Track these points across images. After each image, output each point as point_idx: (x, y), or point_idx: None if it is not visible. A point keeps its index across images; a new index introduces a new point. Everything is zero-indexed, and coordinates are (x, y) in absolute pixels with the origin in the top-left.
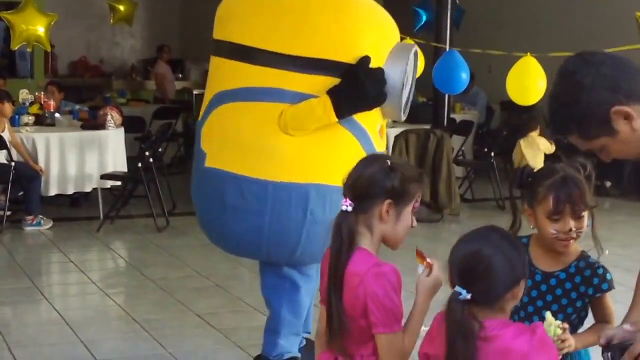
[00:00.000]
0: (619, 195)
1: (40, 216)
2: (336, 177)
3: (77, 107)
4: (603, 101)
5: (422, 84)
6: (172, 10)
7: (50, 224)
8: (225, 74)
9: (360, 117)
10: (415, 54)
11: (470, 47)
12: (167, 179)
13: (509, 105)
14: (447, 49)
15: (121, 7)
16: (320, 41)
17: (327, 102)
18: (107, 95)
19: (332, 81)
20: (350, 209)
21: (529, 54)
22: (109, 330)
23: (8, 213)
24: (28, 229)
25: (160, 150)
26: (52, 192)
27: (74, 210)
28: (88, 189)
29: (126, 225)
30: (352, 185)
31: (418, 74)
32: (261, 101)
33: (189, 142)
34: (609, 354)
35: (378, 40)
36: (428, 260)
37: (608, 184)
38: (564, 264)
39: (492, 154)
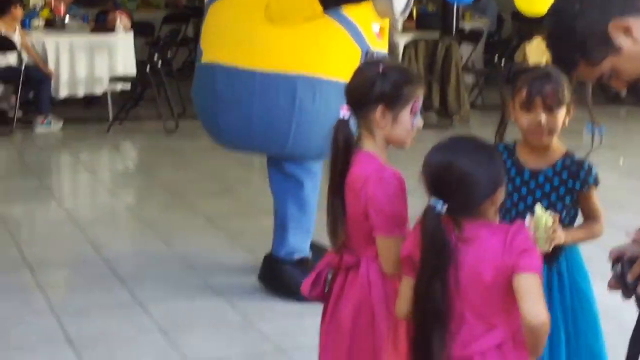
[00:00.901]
0: (634, 104)
1: (51, 116)
2: (326, 68)
3: (81, 12)
4: (597, 20)
5: None
6: None
7: (61, 124)
8: None
9: (352, 14)
10: None
11: None
12: (177, 83)
13: (521, 16)
14: None
15: None
16: None
17: None
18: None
19: None
20: (346, 116)
21: None
22: (117, 230)
23: (19, 114)
24: (39, 129)
25: (169, 54)
26: (62, 94)
27: (85, 111)
28: (98, 92)
29: (135, 128)
30: (348, 92)
31: None
32: None
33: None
34: (619, 267)
35: None
36: None
37: (624, 92)
38: (551, 161)
39: (502, 61)
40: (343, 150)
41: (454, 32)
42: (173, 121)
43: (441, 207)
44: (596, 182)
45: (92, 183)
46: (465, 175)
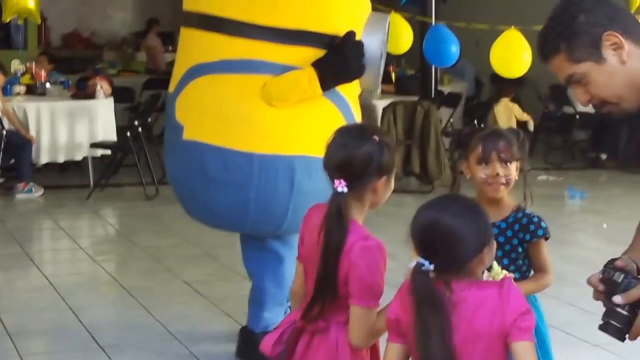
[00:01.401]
0: (615, 168)
1: (32, 183)
2: (320, 147)
3: (61, 79)
4: (599, 23)
5: (410, 56)
6: None
7: (42, 191)
8: (201, 46)
9: (342, 87)
10: (389, 23)
11: (457, 20)
12: (157, 148)
13: (498, 78)
14: (433, 23)
15: None
16: (296, 12)
17: (312, 74)
18: (97, 66)
19: (310, 52)
20: (345, 190)
21: (513, 27)
22: (98, 297)
23: (0, 180)
24: (19, 196)
25: (149, 120)
26: (43, 160)
27: (65, 177)
28: (78, 158)
29: (116, 194)
30: (346, 166)
31: (406, 49)
32: (241, 73)
33: None
34: (621, 277)
35: (353, 9)
36: None
37: (604, 156)
38: (504, 214)
39: (482, 125)
40: (340, 223)
41: (432, 95)
42: (153, 186)
43: (428, 265)
44: (545, 235)
45: (73, 249)
46: (450, 233)
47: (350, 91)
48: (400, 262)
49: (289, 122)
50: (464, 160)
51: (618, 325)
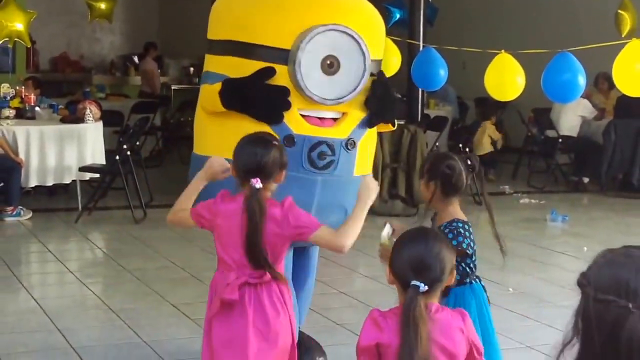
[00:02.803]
0: (597, 192)
1: (20, 207)
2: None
3: (52, 103)
4: None
5: (397, 80)
6: (152, 7)
7: (30, 214)
8: None
9: None
10: (341, 32)
11: (444, 44)
12: (144, 172)
13: (483, 101)
14: (422, 46)
15: (101, 5)
16: (223, 23)
17: (219, 88)
18: (86, 89)
19: (235, 61)
20: (260, 185)
21: (503, 51)
22: (86, 319)
23: None
24: (8, 219)
25: (138, 143)
26: (32, 183)
27: (53, 201)
28: (67, 181)
29: (104, 217)
30: (260, 169)
31: (394, 71)
32: (204, 83)
33: (166, 136)
34: None
35: (276, 19)
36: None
37: (586, 180)
38: (442, 221)
39: (467, 149)
40: (260, 209)
41: (419, 118)
42: (141, 210)
43: (424, 286)
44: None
45: (61, 272)
46: (438, 254)
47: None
48: (385, 284)
49: (218, 130)
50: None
51: None
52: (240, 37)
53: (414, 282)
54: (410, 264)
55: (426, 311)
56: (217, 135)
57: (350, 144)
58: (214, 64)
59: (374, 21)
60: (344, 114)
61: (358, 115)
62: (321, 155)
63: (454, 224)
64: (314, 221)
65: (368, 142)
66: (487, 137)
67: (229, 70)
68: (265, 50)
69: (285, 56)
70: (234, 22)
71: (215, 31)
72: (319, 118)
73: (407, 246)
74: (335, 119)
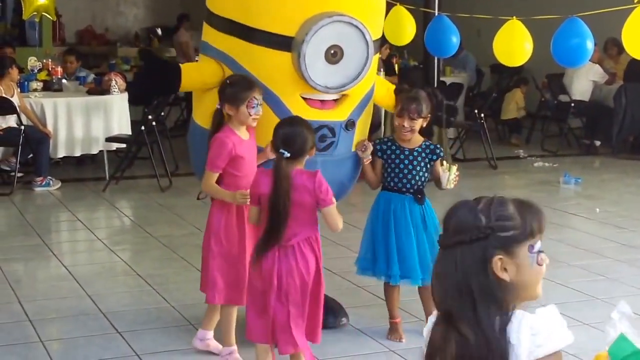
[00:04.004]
0: (608, 154)
1: (49, 177)
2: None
3: (91, 75)
4: None
5: (413, 48)
6: None
7: (59, 184)
8: None
9: (273, 86)
10: (346, 23)
11: (459, 12)
12: (170, 141)
13: (499, 68)
14: (436, 14)
15: None
16: (223, 1)
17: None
18: (112, 62)
19: (237, 42)
20: (288, 154)
21: (514, 17)
22: (115, 285)
23: (19, 175)
24: (38, 189)
25: (162, 114)
26: (60, 154)
27: (82, 171)
28: (94, 151)
29: (131, 186)
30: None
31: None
32: (203, 54)
33: (191, 106)
34: None
35: (279, 4)
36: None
37: (598, 143)
38: (416, 145)
39: (482, 115)
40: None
41: (435, 85)
42: (167, 178)
43: (287, 153)
44: (439, 156)
45: (91, 240)
46: (300, 132)
47: (283, 89)
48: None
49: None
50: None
51: None
52: (242, 19)
53: (281, 150)
54: (281, 138)
55: (288, 172)
56: (201, 104)
57: (349, 124)
58: (214, 37)
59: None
60: (344, 95)
61: (358, 95)
62: (322, 138)
63: (430, 143)
64: (331, 197)
65: (365, 118)
66: (514, 104)
67: (230, 50)
68: (267, 35)
69: (288, 42)
70: (236, 1)
71: (217, 4)
72: (321, 101)
73: (281, 126)
74: (335, 100)
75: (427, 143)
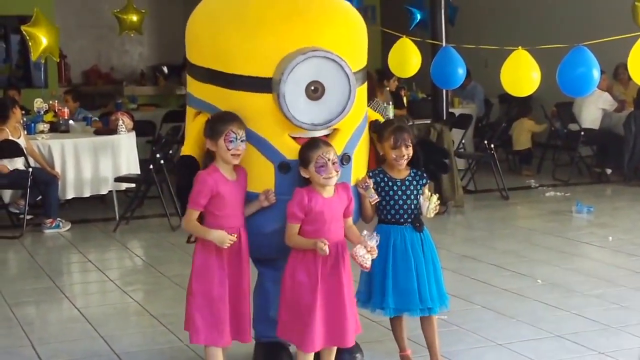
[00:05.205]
0: (620, 182)
1: (59, 219)
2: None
3: (90, 115)
4: None
5: (421, 80)
6: (177, 18)
7: (69, 226)
8: None
9: (261, 130)
10: (321, 58)
11: (465, 43)
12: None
13: (507, 98)
14: (443, 45)
15: (132, 17)
16: (200, 48)
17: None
18: (118, 101)
19: (217, 90)
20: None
21: (520, 47)
22: (128, 326)
23: (28, 217)
24: (47, 231)
25: (171, 152)
26: (69, 195)
27: (91, 212)
28: (104, 192)
29: (141, 225)
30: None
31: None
32: (188, 105)
33: None
34: None
35: (253, 47)
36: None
37: (609, 171)
38: (406, 174)
39: (492, 145)
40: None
41: (444, 117)
42: (177, 217)
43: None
44: (426, 182)
45: (102, 281)
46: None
47: (271, 131)
48: None
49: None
50: (379, 143)
51: None
52: (219, 67)
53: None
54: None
55: None
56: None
57: (345, 159)
58: (195, 87)
59: (353, 28)
60: (335, 129)
61: (349, 128)
62: None
63: (417, 171)
64: (353, 211)
65: (362, 150)
66: (525, 133)
67: (211, 98)
68: (245, 79)
69: (267, 84)
70: (212, 50)
71: (195, 55)
72: (311, 139)
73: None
74: (327, 136)
75: (415, 170)
